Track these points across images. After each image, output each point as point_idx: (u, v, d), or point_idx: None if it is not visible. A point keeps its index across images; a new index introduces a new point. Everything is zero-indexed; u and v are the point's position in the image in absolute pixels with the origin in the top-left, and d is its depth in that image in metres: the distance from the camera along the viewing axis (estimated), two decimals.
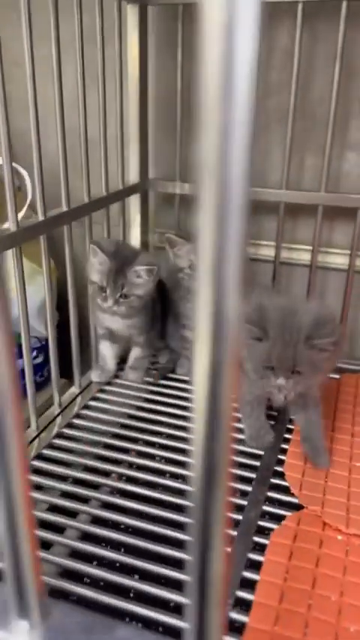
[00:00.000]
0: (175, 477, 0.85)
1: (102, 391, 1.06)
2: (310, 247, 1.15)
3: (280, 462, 0.86)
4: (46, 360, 1.20)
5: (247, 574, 0.67)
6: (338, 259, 1.20)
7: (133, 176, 1.19)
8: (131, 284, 0.96)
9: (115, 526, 0.76)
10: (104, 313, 1.01)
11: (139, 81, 1.13)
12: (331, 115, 1.04)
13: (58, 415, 0.98)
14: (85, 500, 0.81)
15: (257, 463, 0.86)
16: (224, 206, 0.20)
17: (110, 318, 1.01)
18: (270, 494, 0.80)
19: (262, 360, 0.76)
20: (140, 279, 0.97)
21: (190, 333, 1.07)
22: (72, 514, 0.79)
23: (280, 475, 0.83)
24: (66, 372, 1.08)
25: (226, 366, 0.22)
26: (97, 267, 0.96)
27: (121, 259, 0.96)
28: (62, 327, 1.07)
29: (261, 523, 0.75)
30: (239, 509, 0.77)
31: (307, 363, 0.74)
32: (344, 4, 0.97)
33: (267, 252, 1.21)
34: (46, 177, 0.87)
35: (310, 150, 1.14)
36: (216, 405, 0.23)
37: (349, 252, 1.13)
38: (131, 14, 1.09)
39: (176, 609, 0.64)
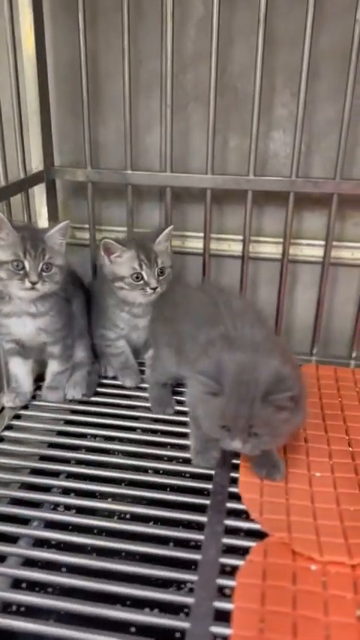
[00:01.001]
0: (110, 515, 0.74)
1: (17, 417, 0.89)
2: (241, 237, 1.05)
3: (234, 481, 0.75)
4: None
5: (216, 629, 0.56)
6: (269, 248, 1.11)
7: (35, 163, 1.03)
8: (52, 250, 0.84)
9: (39, 586, 0.65)
10: (9, 317, 0.86)
11: (35, 52, 0.98)
12: (256, 89, 0.94)
13: None
14: (1, 558, 0.66)
15: (209, 486, 0.74)
16: None
17: (17, 321, 0.87)
18: (228, 522, 0.69)
19: (216, 418, 0.68)
20: (57, 245, 0.86)
21: (112, 334, 0.98)
22: None
23: (237, 497, 0.72)
24: None
25: None
26: (1, 243, 0.82)
27: (30, 230, 0.87)
28: None
29: (223, 560, 0.63)
30: (196, 547, 0.65)
31: (264, 424, 0.66)
32: None
33: (194, 244, 1.10)
34: None
35: (234, 130, 1.04)
36: None
37: (281, 240, 1.05)
38: None
39: None
